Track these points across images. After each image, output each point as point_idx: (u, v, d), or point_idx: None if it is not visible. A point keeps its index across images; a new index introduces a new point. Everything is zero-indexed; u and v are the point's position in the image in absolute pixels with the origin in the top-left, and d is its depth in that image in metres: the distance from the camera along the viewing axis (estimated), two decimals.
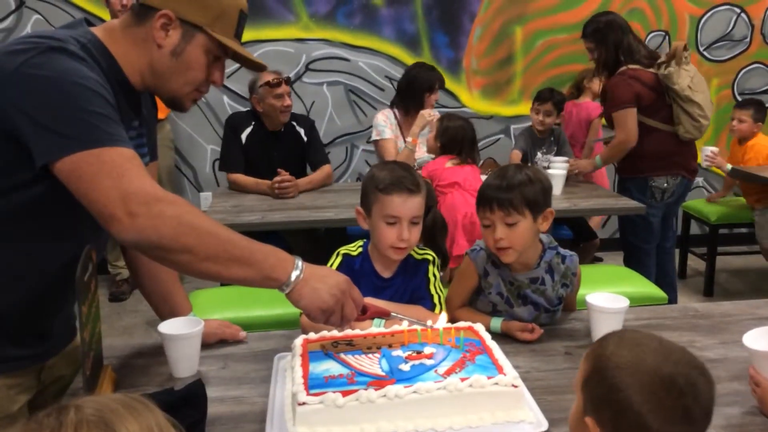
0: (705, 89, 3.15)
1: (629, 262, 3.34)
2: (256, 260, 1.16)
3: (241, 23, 1.33)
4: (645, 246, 3.34)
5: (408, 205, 1.58)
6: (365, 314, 1.30)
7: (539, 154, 3.72)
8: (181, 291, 1.58)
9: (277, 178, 3.13)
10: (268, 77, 3.27)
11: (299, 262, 1.20)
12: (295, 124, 3.47)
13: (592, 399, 0.90)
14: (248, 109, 3.51)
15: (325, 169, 3.46)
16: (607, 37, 3.17)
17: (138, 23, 1.27)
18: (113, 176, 1.09)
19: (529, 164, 3.29)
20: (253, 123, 3.39)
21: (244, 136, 3.38)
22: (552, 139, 3.84)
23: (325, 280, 1.21)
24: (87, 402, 0.66)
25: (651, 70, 3.14)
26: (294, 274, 1.18)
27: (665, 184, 3.22)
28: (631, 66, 3.14)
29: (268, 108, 3.32)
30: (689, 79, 3.06)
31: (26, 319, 1.28)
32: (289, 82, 3.35)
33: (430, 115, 3.40)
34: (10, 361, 1.27)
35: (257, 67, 1.42)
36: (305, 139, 3.48)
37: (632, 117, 3.13)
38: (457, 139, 3.01)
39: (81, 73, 1.13)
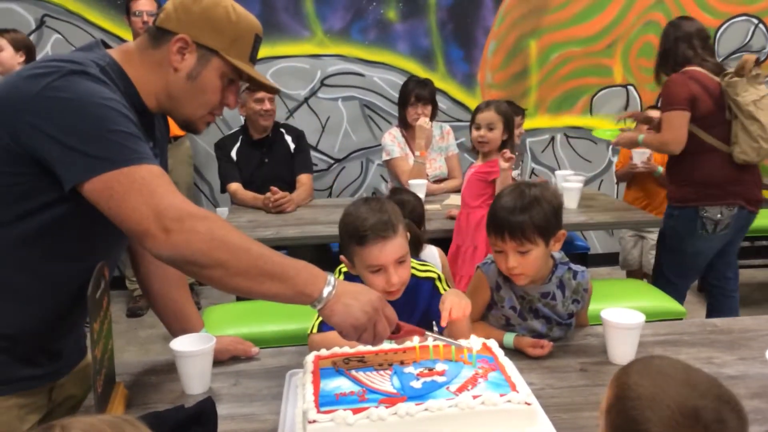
0: None
1: None
2: (288, 276, 1.15)
3: (256, 47, 1.35)
4: (678, 282, 3.06)
5: (388, 251, 1.51)
6: (399, 333, 1.28)
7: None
8: (193, 309, 1.59)
9: (270, 196, 3.17)
10: None
11: (332, 278, 1.19)
12: (283, 131, 3.59)
13: (613, 428, 0.86)
14: (233, 130, 3.67)
15: (302, 180, 3.49)
16: (668, 36, 2.98)
17: (154, 46, 1.29)
18: (144, 193, 1.10)
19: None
20: (240, 137, 3.53)
21: (234, 153, 3.49)
22: (516, 154, 3.72)
23: (358, 296, 1.19)
24: (74, 422, 0.66)
25: (716, 78, 2.84)
26: (326, 291, 1.17)
27: (719, 215, 2.88)
28: (696, 68, 2.86)
29: (249, 112, 3.44)
30: (756, 96, 2.75)
31: (39, 340, 1.29)
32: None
33: (427, 123, 3.42)
34: (22, 381, 1.27)
35: (271, 90, 1.43)
36: (292, 146, 3.56)
37: (682, 120, 2.81)
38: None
39: (104, 94, 1.15)
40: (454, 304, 1.43)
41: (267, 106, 3.41)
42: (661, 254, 3.16)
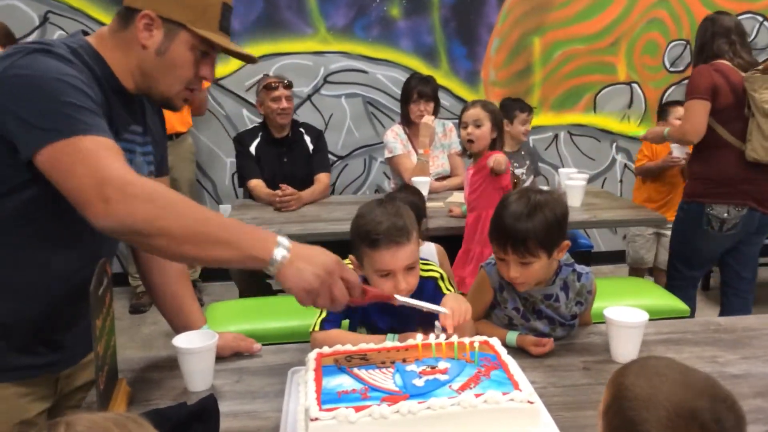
0: None
1: (670, 288, 3.01)
2: (235, 240, 1.12)
3: (225, 16, 1.33)
4: (687, 272, 3.08)
5: (399, 257, 1.49)
6: (364, 297, 1.24)
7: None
8: (194, 304, 1.59)
9: (279, 193, 3.16)
10: (269, 80, 3.40)
11: (285, 241, 1.15)
12: (303, 131, 3.57)
13: (610, 429, 0.86)
14: (253, 125, 3.66)
15: (320, 179, 3.48)
16: (705, 30, 2.92)
17: (124, 27, 1.30)
18: (87, 163, 1.09)
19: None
20: (260, 134, 3.50)
21: (253, 148, 3.47)
22: (522, 153, 3.69)
23: (312, 260, 1.14)
24: (79, 419, 0.66)
25: (743, 73, 2.80)
26: (278, 253, 1.12)
27: (725, 214, 2.85)
28: (724, 62, 2.83)
29: (267, 111, 3.43)
30: None
31: (35, 329, 1.29)
32: (288, 86, 3.42)
33: (432, 121, 3.41)
34: (21, 370, 1.29)
35: (247, 59, 1.42)
36: (311, 147, 3.55)
37: (701, 110, 2.78)
38: None
39: (62, 70, 1.16)
40: (455, 309, 1.42)
41: (283, 104, 3.39)
42: (672, 244, 3.17)
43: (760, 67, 2.75)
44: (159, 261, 1.53)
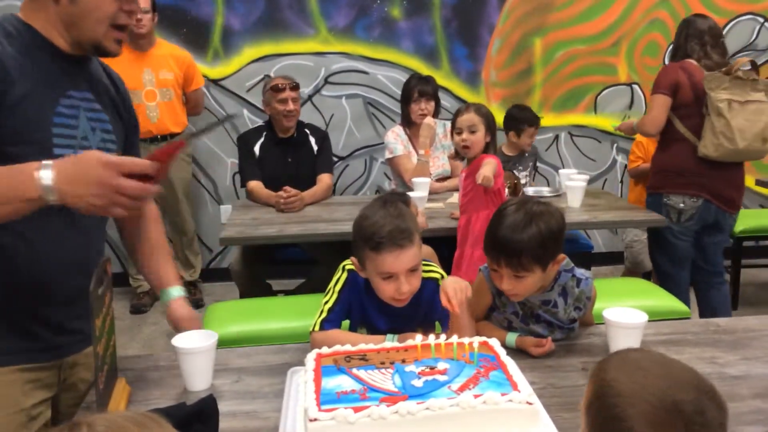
0: (753, 121, 2.81)
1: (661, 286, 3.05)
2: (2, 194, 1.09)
3: None
4: (670, 270, 3.13)
5: (402, 260, 1.50)
6: (164, 164, 1.15)
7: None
8: (169, 264, 1.62)
9: (283, 194, 3.15)
10: (276, 82, 3.39)
11: (45, 171, 1.08)
12: (308, 132, 3.55)
13: (594, 426, 0.86)
14: (258, 124, 3.64)
15: (323, 179, 3.47)
16: (681, 32, 3.05)
17: None
18: None
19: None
20: (264, 133, 3.48)
21: (257, 148, 3.44)
22: (526, 155, 3.70)
23: (80, 180, 1.08)
24: (99, 419, 0.67)
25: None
26: (46, 181, 1.07)
27: (681, 204, 2.99)
28: (692, 61, 2.96)
29: (273, 112, 3.41)
30: (740, 98, 2.79)
31: (28, 306, 1.31)
32: (295, 88, 3.40)
33: (434, 123, 3.41)
34: (23, 353, 1.30)
35: None
36: (315, 148, 3.52)
37: (660, 104, 2.94)
38: None
39: None
40: (456, 290, 1.44)
41: (290, 106, 3.36)
42: (650, 244, 3.27)
43: (724, 69, 2.86)
44: (142, 232, 1.58)
